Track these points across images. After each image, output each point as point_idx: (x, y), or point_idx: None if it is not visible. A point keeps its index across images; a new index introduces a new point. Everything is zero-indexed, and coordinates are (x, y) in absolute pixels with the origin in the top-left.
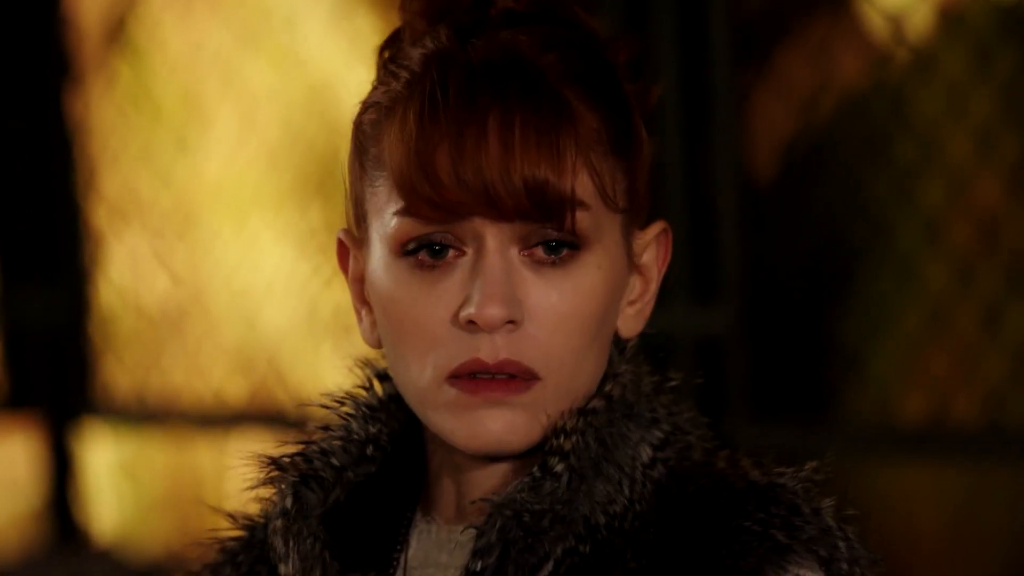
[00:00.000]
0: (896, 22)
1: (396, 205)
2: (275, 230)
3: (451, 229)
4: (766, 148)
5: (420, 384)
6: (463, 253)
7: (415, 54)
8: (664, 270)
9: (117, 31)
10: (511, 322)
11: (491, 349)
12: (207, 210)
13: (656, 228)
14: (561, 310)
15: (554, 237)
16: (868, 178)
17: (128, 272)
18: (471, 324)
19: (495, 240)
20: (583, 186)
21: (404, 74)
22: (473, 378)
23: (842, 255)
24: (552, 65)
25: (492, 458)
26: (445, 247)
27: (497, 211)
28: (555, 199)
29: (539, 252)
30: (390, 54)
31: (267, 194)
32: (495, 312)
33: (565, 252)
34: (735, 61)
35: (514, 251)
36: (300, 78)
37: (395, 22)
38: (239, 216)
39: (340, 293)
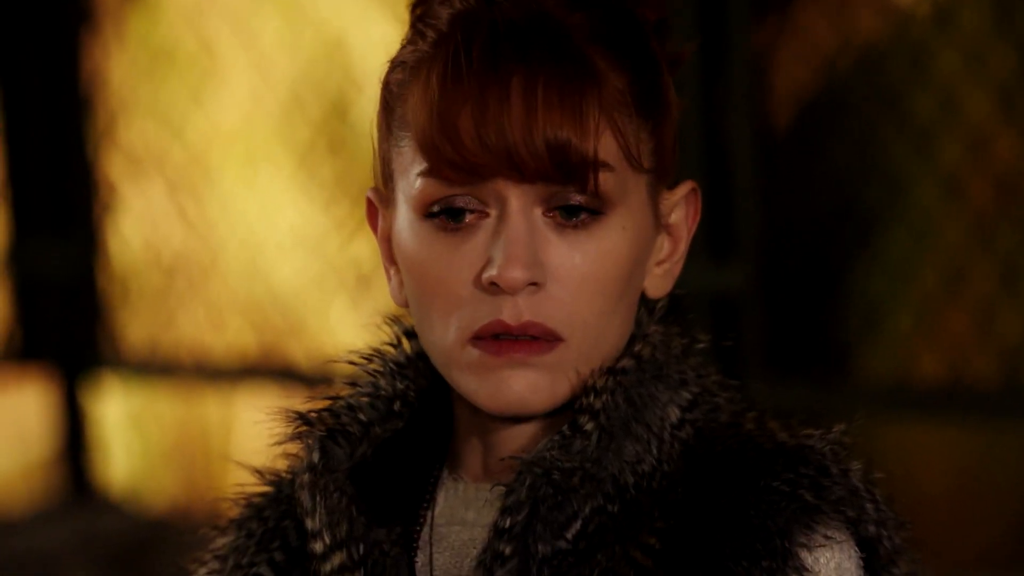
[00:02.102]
0: None
1: (420, 166)
2: (289, 184)
3: (474, 191)
4: (784, 104)
5: (444, 344)
6: (487, 215)
7: (444, 13)
8: (694, 230)
9: None
10: (533, 284)
11: (514, 311)
12: (221, 163)
13: (684, 188)
14: (584, 271)
15: (577, 201)
16: (886, 135)
17: (141, 225)
18: (493, 286)
19: (518, 201)
20: (607, 147)
21: (431, 33)
22: (496, 339)
23: (859, 213)
24: (579, 25)
25: (517, 418)
26: (466, 211)
27: (520, 173)
28: (578, 160)
29: (562, 214)
30: (420, 12)
31: (282, 148)
32: (517, 274)
33: (584, 215)
34: (753, 16)
35: (538, 212)
36: (315, 31)
37: None
38: (253, 169)
39: (354, 248)
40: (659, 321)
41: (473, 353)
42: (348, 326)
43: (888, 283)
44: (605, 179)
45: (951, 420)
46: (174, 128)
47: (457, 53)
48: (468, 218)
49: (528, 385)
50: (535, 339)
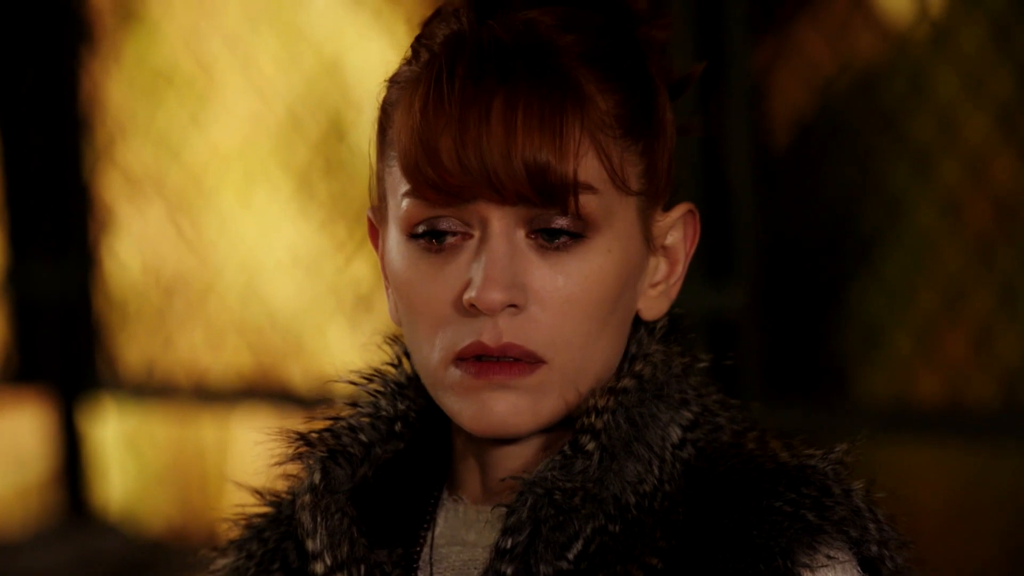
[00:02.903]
0: None
1: (405, 187)
2: (287, 205)
3: (457, 212)
4: (782, 125)
5: (430, 365)
6: (470, 236)
7: (439, 34)
8: (692, 251)
9: (130, 5)
10: (513, 306)
11: (493, 332)
12: (218, 184)
13: (681, 209)
14: (567, 293)
15: (559, 223)
16: (885, 156)
17: (139, 246)
18: (473, 307)
19: (500, 223)
20: (590, 169)
21: (424, 55)
22: (478, 360)
23: (858, 234)
24: (569, 46)
25: (506, 439)
26: (448, 233)
27: (499, 195)
28: (557, 182)
29: (543, 236)
30: (420, 31)
31: (279, 169)
32: (495, 296)
33: (566, 238)
34: (752, 36)
35: (520, 234)
36: (312, 53)
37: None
38: (251, 191)
39: (352, 269)
40: (660, 341)
41: (456, 374)
42: (346, 347)
43: (887, 304)
44: (587, 201)
45: (950, 441)
46: (172, 149)
47: (440, 75)
48: (451, 240)
49: (509, 407)
50: (516, 361)
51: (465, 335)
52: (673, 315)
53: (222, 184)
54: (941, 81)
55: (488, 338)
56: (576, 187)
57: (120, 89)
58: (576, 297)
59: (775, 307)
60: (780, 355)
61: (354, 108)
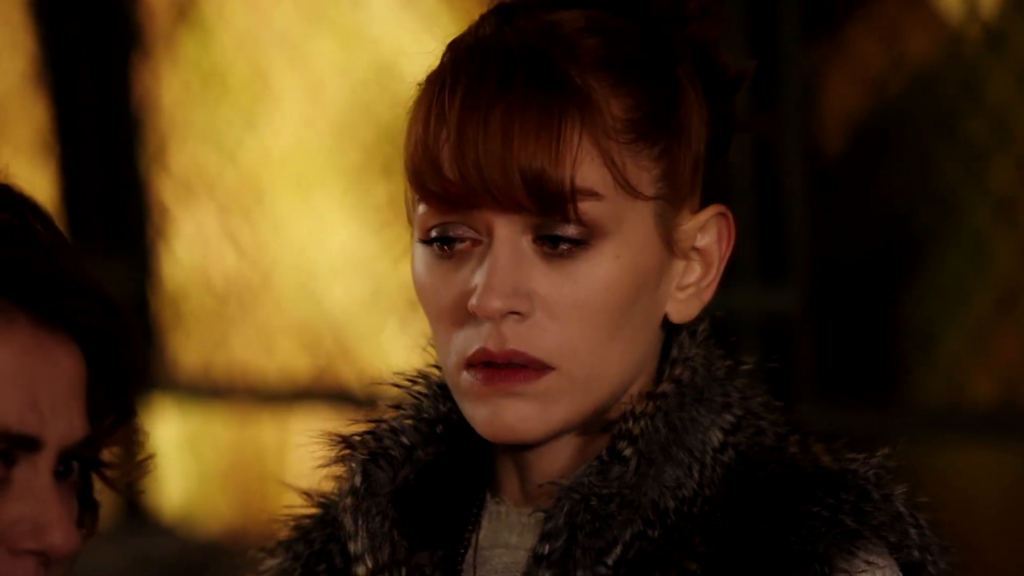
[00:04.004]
0: None
1: (416, 193)
2: (341, 207)
3: (465, 219)
4: (836, 126)
5: (448, 369)
6: (480, 242)
7: (465, 39)
8: (728, 253)
9: (186, 7)
10: (517, 313)
11: (498, 340)
12: (274, 187)
13: (710, 211)
14: (573, 300)
15: (563, 231)
16: (938, 157)
17: (195, 248)
18: (475, 314)
19: (504, 230)
20: (592, 175)
21: (447, 60)
22: (486, 367)
23: (912, 235)
24: (588, 49)
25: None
26: (460, 238)
27: (499, 203)
28: (554, 190)
29: (548, 243)
30: (453, 39)
31: (334, 171)
32: (494, 303)
33: (570, 244)
34: (805, 37)
35: (526, 240)
36: (367, 55)
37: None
38: (306, 193)
39: (405, 271)
40: (701, 344)
41: (467, 379)
42: (399, 348)
43: (940, 306)
44: (590, 207)
45: (1004, 442)
46: (226, 151)
47: (444, 84)
48: (461, 246)
49: (517, 415)
50: (522, 367)
51: (473, 341)
52: (715, 318)
53: (276, 186)
54: (995, 81)
55: (492, 345)
56: (574, 193)
57: (175, 91)
58: (583, 303)
59: (829, 309)
60: (834, 357)
61: (406, 111)
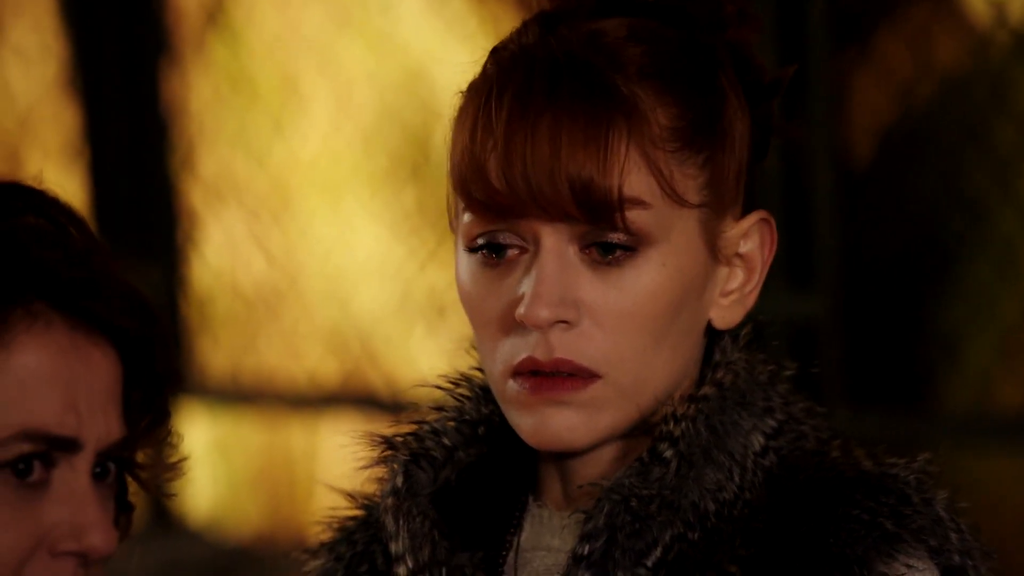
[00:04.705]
0: (997, 5)
1: (462, 202)
2: (370, 212)
3: (513, 227)
4: (864, 132)
5: (493, 376)
6: (526, 250)
7: (510, 46)
8: (770, 259)
9: (215, 12)
10: (564, 322)
11: (545, 348)
12: (302, 192)
13: (753, 218)
14: (620, 308)
15: (609, 238)
16: (967, 164)
17: (223, 252)
18: (523, 323)
19: (551, 239)
20: (639, 184)
21: (490, 69)
22: (533, 376)
23: (940, 242)
24: (633, 59)
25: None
26: (508, 245)
27: (547, 212)
28: (602, 198)
29: (597, 251)
30: (496, 45)
31: (362, 176)
32: (542, 313)
33: (619, 253)
34: (833, 44)
35: (572, 249)
36: (396, 60)
37: (491, 5)
38: (334, 198)
39: (433, 276)
40: (743, 349)
41: (514, 388)
42: (427, 354)
43: (968, 312)
44: (637, 216)
45: None
46: (255, 156)
47: (491, 93)
48: (509, 254)
49: (564, 424)
50: (570, 376)
51: (520, 350)
52: (757, 323)
53: (305, 191)
54: (1023, 88)
55: (540, 354)
56: (622, 202)
57: (203, 95)
58: (630, 312)
59: (856, 315)
60: (861, 363)
61: (435, 117)
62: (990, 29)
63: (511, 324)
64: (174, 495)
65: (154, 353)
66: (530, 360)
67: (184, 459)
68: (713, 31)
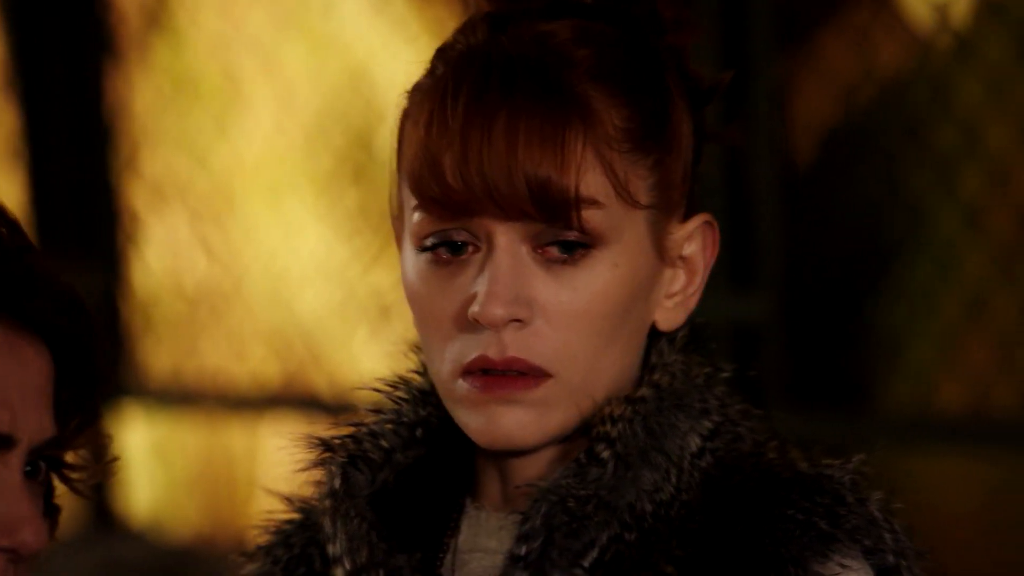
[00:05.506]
0: (938, 9)
1: (414, 200)
2: (313, 213)
3: (466, 225)
4: (806, 134)
5: (441, 376)
6: (478, 249)
7: (456, 46)
8: (712, 262)
9: (157, 13)
10: (518, 320)
11: (498, 347)
12: (246, 192)
13: (697, 220)
14: (572, 308)
15: (564, 237)
16: (908, 165)
17: (166, 254)
18: (477, 322)
19: (504, 238)
20: (594, 184)
21: (440, 68)
22: (484, 375)
23: (882, 243)
24: (582, 60)
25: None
26: (463, 244)
27: (502, 211)
28: (559, 198)
29: (551, 251)
30: (441, 45)
31: (305, 177)
32: (497, 311)
33: (578, 252)
34: (776, 46)
35: (525, 249)
36: (339, 61)
37: (433, 7)
38: (277, 199)
39: (377, 277)
40: (680, 351)
41: (464, 387)
42: (370, 355)
43: (910, 313)
44: (591, 216)
45: (973, 450)
46: (198, 158)
47: (446, 90)
48: (459, 253)
49: (515, 422)
50: (521, 375)
51: (471, 348)
52: (695, 325)
53: (248, 192)
54: (964, 90)
55: (493, 352)
56: (578, 202)
57: (146, 97)
58: (582, 311)
59: (798, 316)
60: (803, 364)
61: (379, 117)
62: (931, 31)
63: (462, 323)
64: (101, 497)
65: (86, 353)
66: (482, 358)
67: (113, 460)
68: (654, 35)
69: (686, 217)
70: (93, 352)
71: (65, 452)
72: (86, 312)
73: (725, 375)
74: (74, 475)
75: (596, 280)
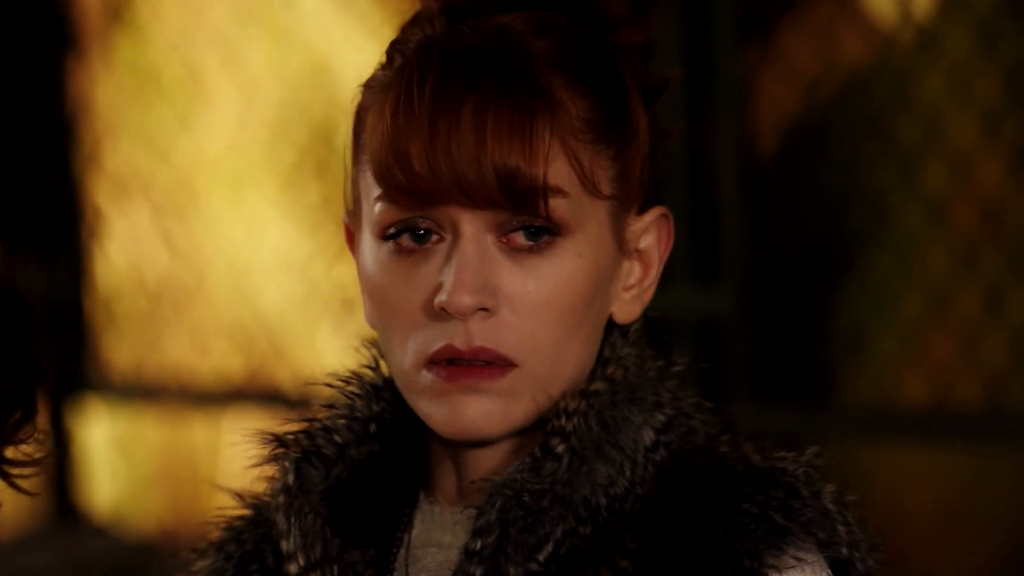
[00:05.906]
0: (900, 3)
1: (377, 191)
2: (276, 207)
3: (430, 214)
4: (769, 128)
5: (402, 368)
6: (443, 239)
7: (412, 39)
8: (666, 255)
9: (120, 7)
10: (484, 309)
11: (464, 336)
12: (208, 187)
13: (654, 213)
14: (538, 297)
15: (530, 222)
16: (870, 159)
17: (128, 248)
18: (444, 311)
19: (470, 227)
20: (560, 174)
21: (398, 59)
22: (449, 364)
23: (844, 237)
24: (542, 51)
25: (476, 442)
26: (427, 232)
27: (470, 199)
28: (527, 186)
29: (516, 239)
30: (395, 37)
31: (268, 171)
32: (465, 300)
33: (544, 239)
34: (738, 41)
35: (491, 238)
36: (301, 56)
37: (396, 2)
38: (240, 193)
39: (340, 272)
40: (634, 344)
41: (428, 377)
42: (333, 349)
43: (872, 307)
44: (557, 205)
45: (935, 444)
46: (160, 152)
47: (411, 81)
48: (424, 242)
49: (480, 412)
50: (487, 364)
51: (436, 338)
52: (648, 318)
53: (210, 187)
54: (927, 84)
55: (459, 341)
56: (546, 191)
57: (108, 91)
58: (547, 301)
59: (761, 310)
60: (766, 358)
61: (341, 111)
62: (893, 26)
63: (427, 313)
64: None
65: (26, 348)
66: (448, 348)
67: (48, 456)
68: (606, 31)
69: (643, 210)
70: (33, 347)
71: (5, 448)
72: (25, 304)
73: (677, 368)
74: (14, 471)
75: (561, 270)
